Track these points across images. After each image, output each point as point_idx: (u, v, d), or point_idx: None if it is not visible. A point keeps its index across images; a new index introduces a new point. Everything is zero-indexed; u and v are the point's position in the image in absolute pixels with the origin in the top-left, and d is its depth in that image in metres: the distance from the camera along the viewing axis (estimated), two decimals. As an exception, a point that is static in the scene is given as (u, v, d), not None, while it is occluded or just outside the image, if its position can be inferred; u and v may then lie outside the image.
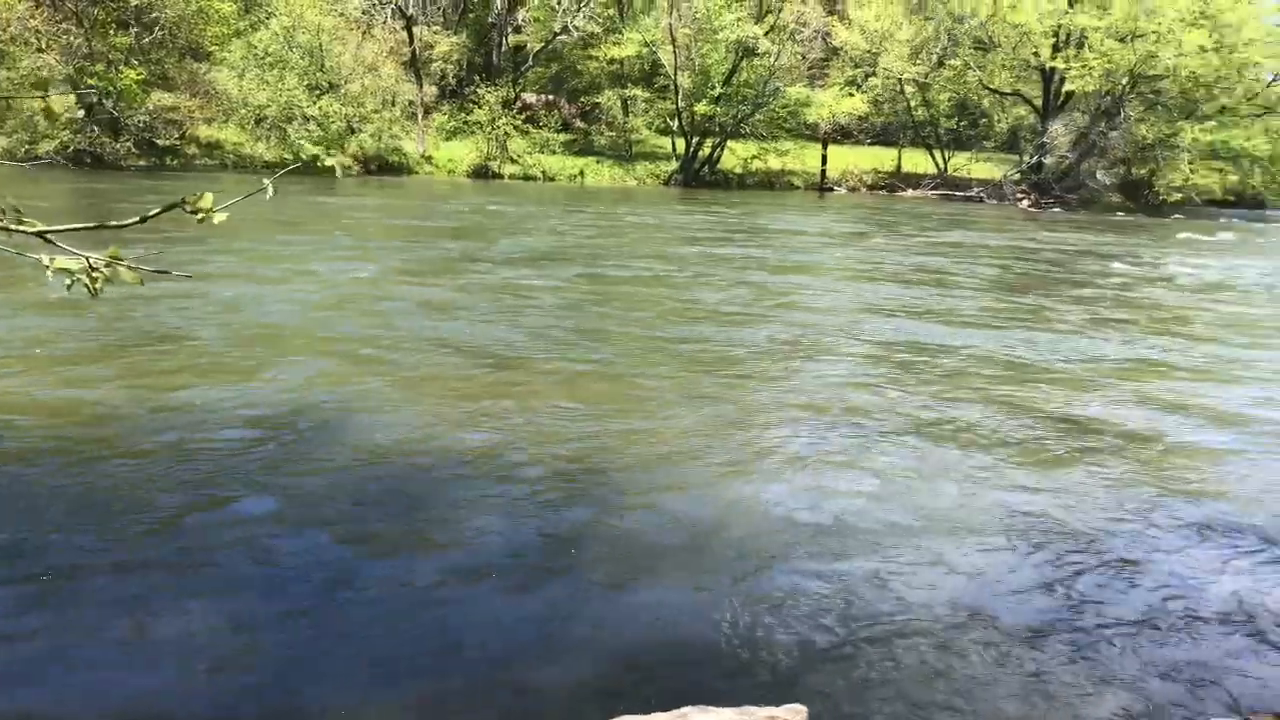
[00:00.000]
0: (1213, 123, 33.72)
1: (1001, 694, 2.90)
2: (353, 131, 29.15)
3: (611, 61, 34.25)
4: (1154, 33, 31.15)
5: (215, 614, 3.16)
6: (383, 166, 29.81)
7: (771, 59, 32.56)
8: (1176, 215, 31.28)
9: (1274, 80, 34.71)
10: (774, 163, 34.26)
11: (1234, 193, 34.76)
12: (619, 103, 35.37)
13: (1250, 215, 34.57)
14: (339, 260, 11.22)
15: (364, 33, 30.86)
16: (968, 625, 3.30)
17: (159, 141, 26.34)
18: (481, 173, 31.05)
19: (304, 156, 26.85)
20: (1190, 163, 33.71)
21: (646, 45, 33.46)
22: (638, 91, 35.04)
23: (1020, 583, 3.66)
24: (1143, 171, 35.12)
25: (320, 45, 28.92)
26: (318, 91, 28.67)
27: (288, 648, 2.97)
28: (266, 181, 2.14)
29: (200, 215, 2.06)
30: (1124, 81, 32.62)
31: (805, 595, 3.46)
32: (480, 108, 31.02)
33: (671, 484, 4.46)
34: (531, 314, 8.53)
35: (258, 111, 27.79)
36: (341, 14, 30.67)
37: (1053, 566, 3.84)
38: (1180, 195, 33.45)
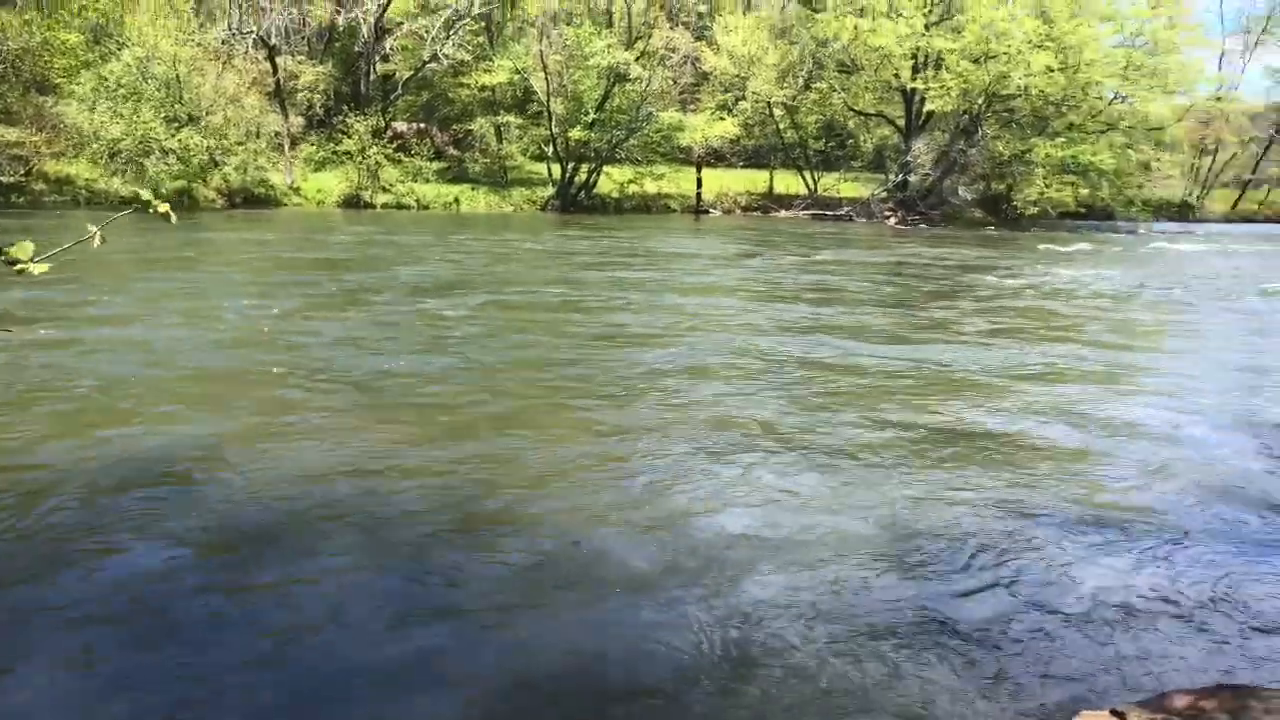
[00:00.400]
0: (1062, 139, 37.49)
1: (882, 703, 3.14)
2: (216, 164, 30.12)
3: (483, 89, 36.08)
4: (1005, 54, 34.66)
5: (71, 656, 3.25)
6: (249, 199, 30.78)
7: (643, 84, 34.95)
8: (1035, 228, 34.56)
9: (1115, 99, 38.88)
10: (650, 187, 36.56)
11: (1085, 205, 38.48)
12: (492, 130, 37.20)
13: (1102, 226, 38.40)
14: (243, 297, 11.40)
15: (224, 63, 31.91)
16: (851, 637, 3.53)
17: (2, 179, 26.86)
18: (353, 202, 32.34)
19: (164, 191, 27.80)
20: (1044, 177, 37.34)
21: (518, 72, 35.47)
22: (511, 118, 36.93)
23: (902, 592, 3.94)
24: (1001, 187, 38.72)
25: (178, 76, 29.91)
26: (176, 124, 29.60)
27: (150, 693, 3.06)
28: (93, 228, 2.04)
29: (19, 267, 1.86)
30: (980, 101, 36.11)
31: (692, 616, 3.64)
32: (350, 137, 32.35)
33: (563, 511, 4.65)
34: (454, 343, 8.89)
35: (111, 145, 28.52)
36: (200, 44, 31.68)
37: (931, 573, 4.14)
38: (1036, 209, 37.03)
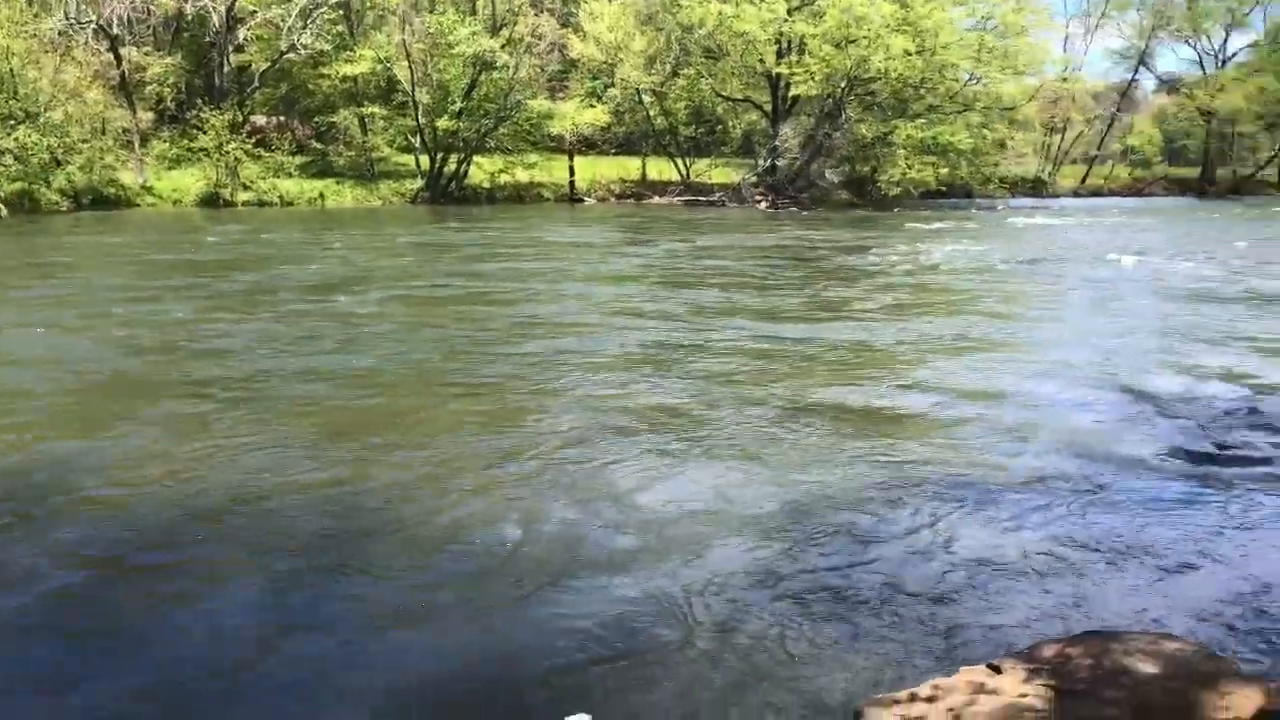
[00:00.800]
0: (922, 120, 41.07)
1: (774, 674, 3.32)
2: (59, 164, 30.09)
3: (345, 79, 36.90)
4: (865, 38, 37.80)
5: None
6: (98, 200, 30.76)
7: (510, 72, 36.61)
8: (899, 208, 37.45)
9: (970, 80, 42.80)
10: (522, 176, 38.21)
11: (946, 183, 42.16)
12: (356, 121, 38.08)
13: (962, 203, 42.05)
14: (133, 302, 11.52)
15: (63, 55, 31.77)
16: (737, 617, 3.72)
17: None
18: (212, 201, 32.77)
19: (1, 194, 27.80)
20: (906, 158, 40.79)
21: (381, 62, 36.47)
22: (375, 109, 37.88)
23: (791, 564, 4.20)
24: (866, 169, 42.04)
25: (11, 70, 29.75)
26: (12, 121, 29.48)
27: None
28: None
29: None
30: (842, 85, 39.16)
31: (582, 608, 3.77)
32: (205, 133, 32.75)
33: (437, 509, 4.82)
34: (375, 339, 9.31)
35: (-62, 146, 28.01)
36: (34, 35, 31.44)
37: (818, 542, 4.46)
38: (900, 189, 40.36)
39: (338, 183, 36.12)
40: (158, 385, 7.57)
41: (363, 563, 4.23)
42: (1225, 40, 58.65)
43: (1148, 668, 3.05)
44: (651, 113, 42.14)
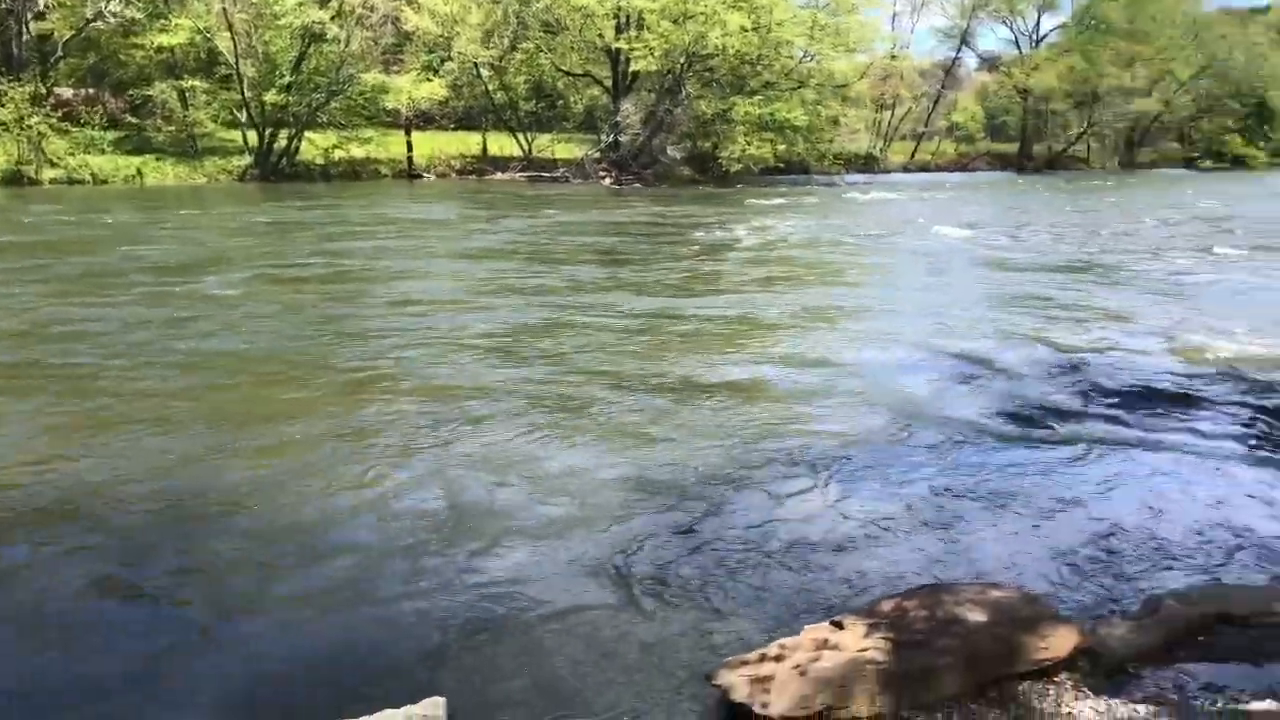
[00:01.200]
0: (759, 97, 43.86)
1: (630, 645, 3.51)
2: None
3: (161, 50, 36.21)
4: (702, 14, 40.06)
5: None
6: (-123, 179, 29.48)
7: (341, 45, 37.08)
8: (740, 184, 39.54)
9: (804, 57, 46.03)
10: (357, 152, 38.61)
11: (784, 160, 45.07)
12: (175, 95, 37.54)
13: (800, 179, 45.03)
14: None
15: None
16: (593, 593, 3.88)
17: None
18: (15, 180, 31.75)
19: None
20: (745, 135, 43.52)
21: (200, 32, 36.10)
22: (196, 82, 37.30)
23: (642, 541, 4.39)
24: (707, 145, 44.57)
25: None
26: None
27: None
28: None
29: None
30: (681, 61, 41.37)
31: (434, 590, 3.89)
32: (4, 106, 31.94)
33: (287, 497, 4.88)
34: (250, 322, 9.49)
35: None
36: None
37: (668, 518, 4.67)
38: (740, 165, 42.95)
39: (158, 159, 35.61)
40: (18, 372, 7.49)
41: (210, 552, 4.31)
42: (1038, 21, 64.93)
43: (977, 616, 3.29)
44: (490, 87, 43.26)
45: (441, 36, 40.95)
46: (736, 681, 3.04)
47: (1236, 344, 9.47)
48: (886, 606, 3.42)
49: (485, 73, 42.21)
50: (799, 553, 4.41)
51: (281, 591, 3.99)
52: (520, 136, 43.56)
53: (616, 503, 4.95)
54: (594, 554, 4.36)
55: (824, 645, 3.15)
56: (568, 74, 43.21)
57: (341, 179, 37.62)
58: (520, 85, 43.86)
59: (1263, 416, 7.08)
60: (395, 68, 41.66)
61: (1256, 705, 3.18)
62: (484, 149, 43.12)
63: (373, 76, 38.02)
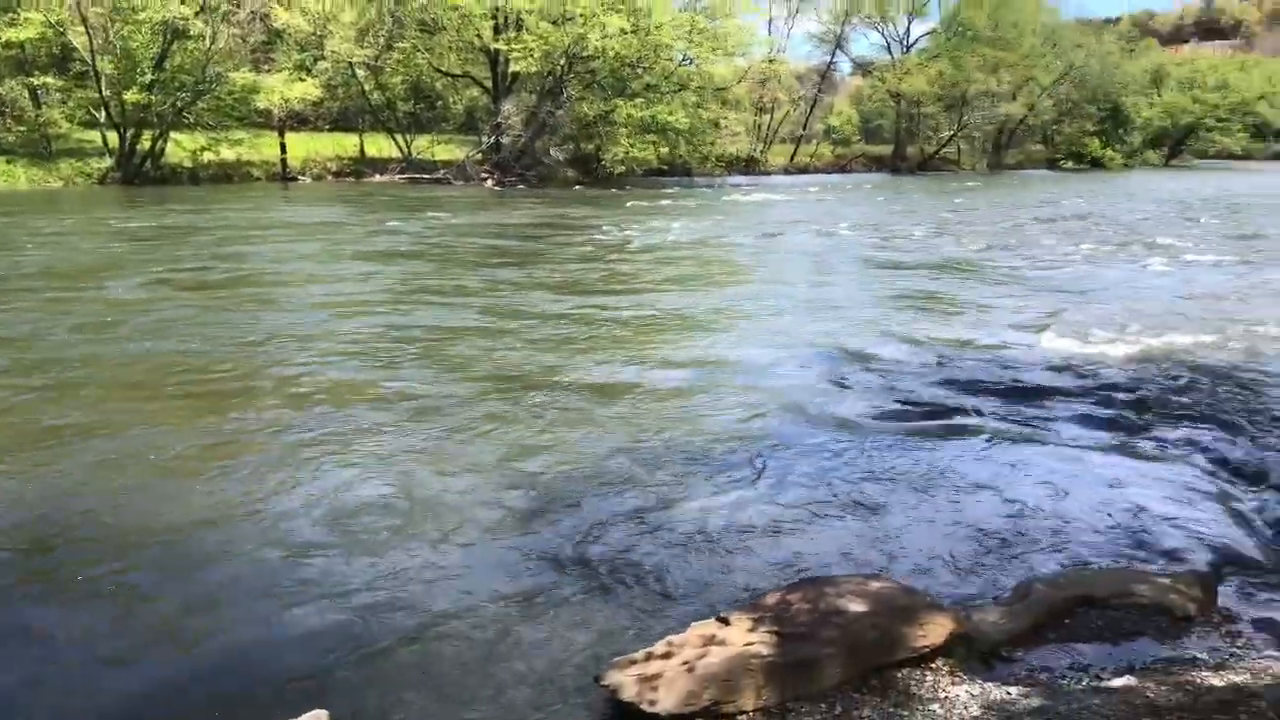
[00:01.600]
0: (641, 99, 44.15)
1: (519, 651, 3.53)
2: None
3: (9, 45, 34.41)
4: (581, 16, 40.15)
5: None
6: None
7: (206, 42, 35.75)
8: (625, 186, 39.93)
9: (684, 61, 46.50)
10: (227, 154, 37.21)
11: (667, 162, 45.63)
12: (26, 93, 35.68)
13: (683, 181, 45.57)
14: None
15: None
16: (480, 599, 3.91)
17: None
18: None
19: None
20: (628, 137, 43.83)
21: (51, 26, 34.40)
22: (49, 79, 35.60)
23: (529, 546, 4.47)
24: (590, 147, 44.66)
25: None
26: None
27: None
28: None
29: None
30: (562, 62, 41.37)
31: (319, 599, 3.87)
32: None
33: (152, 511, 4.81)
34: (149, 329, 9.40)
35: None
36: None
37: (551, 522, 4.75)
38: (624, 167, 43.23)
39: (8, 161, 33.70)
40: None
41: (75, 564, 4.25)
42: (909, 28, 67.08)
43: (857, 607, 3.40)
44: (367, 87, 42.36)
45: (314, 35, 39.94)
46: (625, 681, 3.07)
47: (1105, 337, 9.95)
48: (771, 600, 3.49)
49: (361, 72, 41.31)
50: (689, 550, 4.49)
51: (154, 607, 3.91)
52: (399, 138, 42.77)
53: (506, 508, 4.97)
54: (484, 559, 4.37)
55: (711, 641, 3.21)
56: (446, 74, 42.63)
57: (212, 182, 36.25)
58: (398, 85, 43.06)
59: (1126, 407, 7.45)
60: (266, 67, 40.41)
61: (1117, 681, 3.34)
62: (361, 151, 42.20)
63: (242, 76, 36.80)
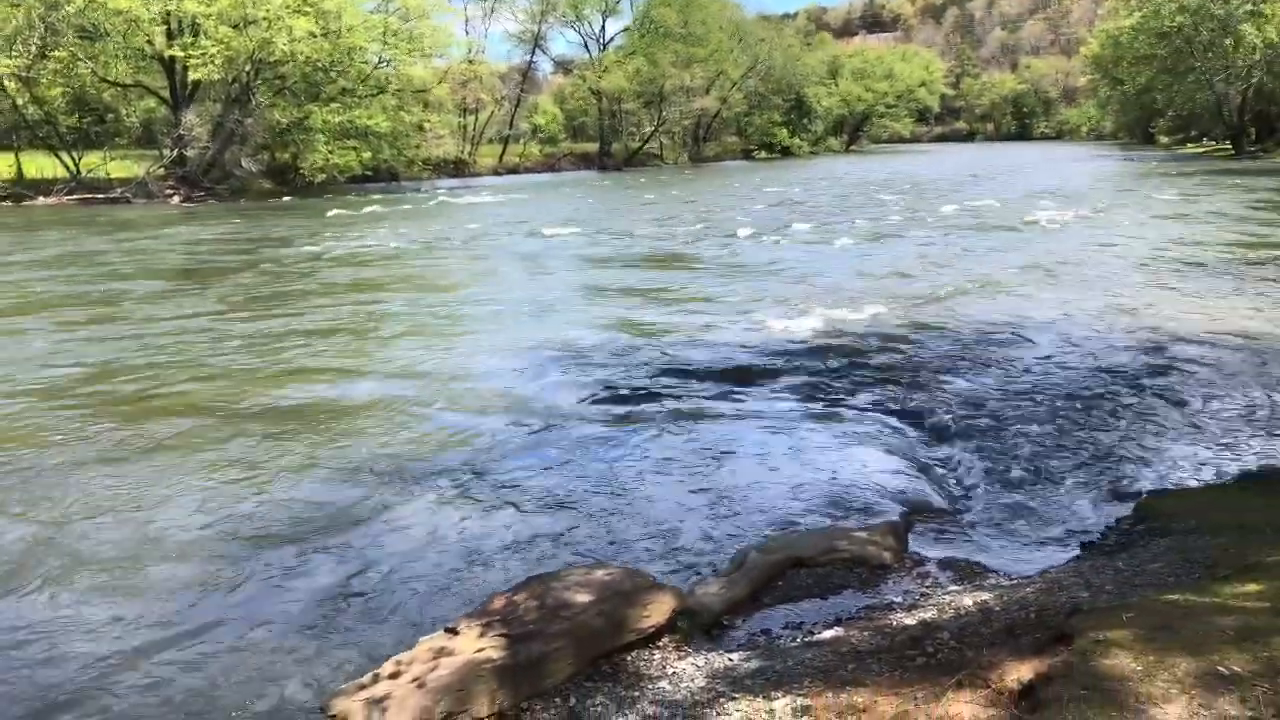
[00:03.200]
0: (337, 104, 42.70)
1: (243, 685, 3.54)
2: None
3: None
4: (265, 19, 38.19)
5: None
6: None
7: None
8: (326, 194, 38.62)
9: (380, 63, 45.39)
10: None
11: (371, 168, 44.30)
12: None
13: (390, 187, 44.52)
14: None
15: None
16: (198, 634, 3.91)
17: None
18: None
19: None
20: (326, 143, 42.24)
21: None
22: None
23: (250, 572, 4.44)
24: (286, 155, 42.69)
25: None
26: None
27: None
28: None
29: None
30: (248, 68, 39.24)
31: (20, 647, 3.79)
32: None
33: None
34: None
35: None
36: None
37: (276, 552, 4.69)
38: (325, 175, 41.66)
39: None
40: None
41: None
42: (603, 26, 68.96)
43: (583, 598, 3.46)
44: (19, 101, 38.24)
45: (-54, 44, 35.54)
46: (353, 707, 3.01)
47: (801, 313, 10.80)
48: (498, 604, 3.50)
49: (11, 85, 37.18)
50: (416, 563, 4.50)
51: None
52: (64, 155, 38.86)
53: (216, 542, 4.85)
54: (196, 598, 4.24)
55: (441, 653, 3.18)
56: (115, 84, 39.20)
57: None
58: (57, 98, 39.07)
59: (822, 376, 8.15)
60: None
61: (826, 634, 3.58)
62: (19, 171, 38.00)
63: None
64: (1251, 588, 3.07)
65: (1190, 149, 67.26)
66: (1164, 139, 75.46)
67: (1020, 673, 2.66)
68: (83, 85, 38.87)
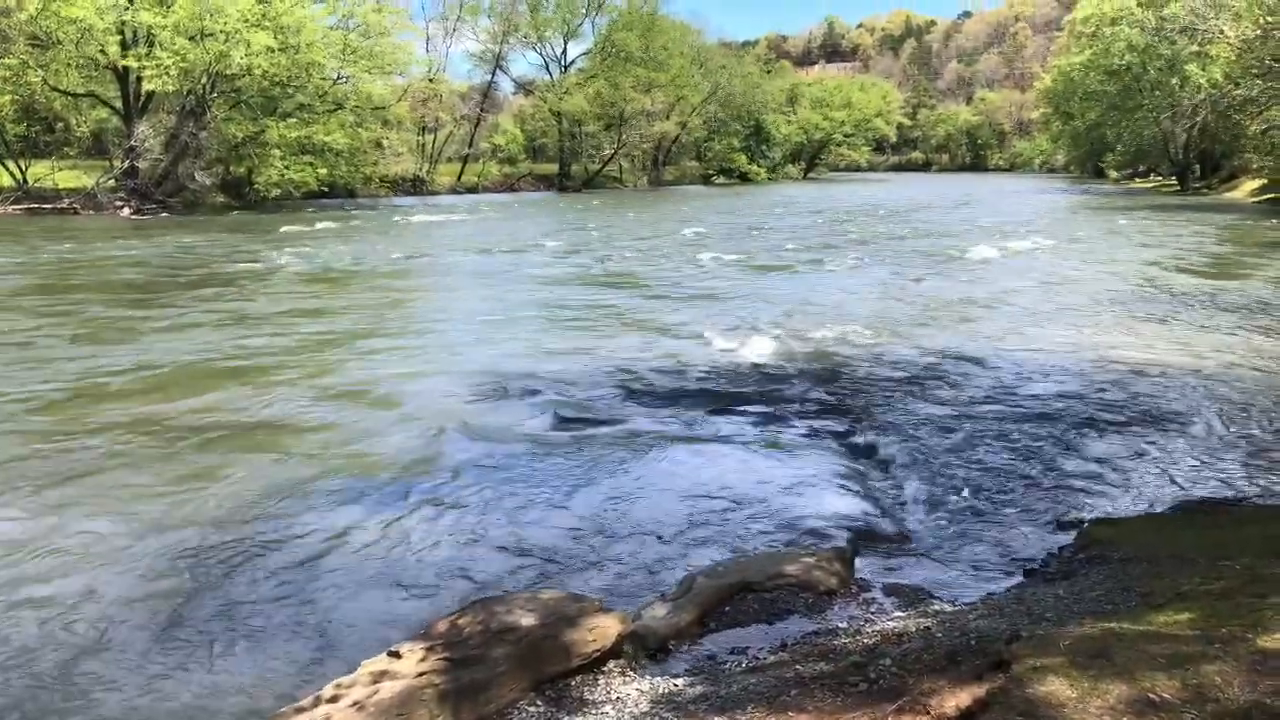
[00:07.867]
0: (294, 119, 42.44)
1: (176, 712, 3.47)
2: None
3: None
4: (223, 33, 37.88)
5: None
6: None
7: None
8: (281, 210, 38.37)
9: (338, 79, 45.18)
10: None
11: (327, 184, 43.99)
12: None
13: (346, 203, 44.21)
14: None
15: None
16: (129, 660, 3.83)
17: None
18: None
19: None
20: (282, 158, 41.91)
21: None
22: None
23: (174, 600, 4.33)
24: (241, 170, 42.30)
25: None
26: None
27: None
28: None
29: None
30: (204, 81, 38.87)
31: None
32: None
33: None
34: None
35: None
36: None
37: (208, 576, 4.59)
38: (280, 190, 41.36)
39: None
40: None
41: None
42: (565, 48, 69.31)
43: (528, 621, 3.46)
44: (-35, 108, 37.59)
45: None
46: None
47: (754, 339, 10.91)
48: (442, 627, 3.47)
49: (-44, 91, 36.52)
50: (363, 586, 4.43)
51: None
52: (10, 164, 38.14)
53: (156, 562, 4.75)
54: (131, 618, 4.17)
55: (382, 677, 3.15)
56: (66, 94, 38.60)
57: None
58: (6, 105, 38.38)
59: (774, 402, 8.23)
60: None
61: (771, 659, 3.59)
62: (-38, 180, 37.22)
63: None
64: (1184, 616, 3.15)
65: (1139, 184, 68.96)
66: (1113, 173, 77.19)
67: (959, 699, 2.70)
68: (32, 93, 38.18)
